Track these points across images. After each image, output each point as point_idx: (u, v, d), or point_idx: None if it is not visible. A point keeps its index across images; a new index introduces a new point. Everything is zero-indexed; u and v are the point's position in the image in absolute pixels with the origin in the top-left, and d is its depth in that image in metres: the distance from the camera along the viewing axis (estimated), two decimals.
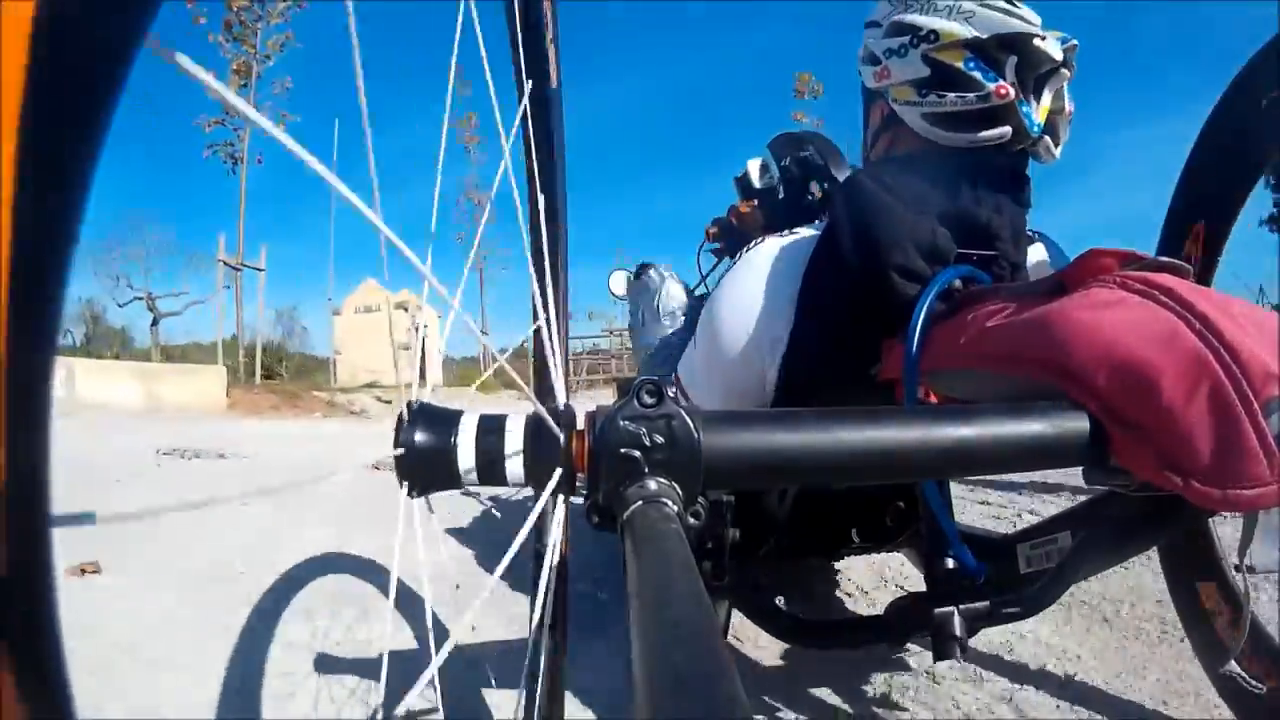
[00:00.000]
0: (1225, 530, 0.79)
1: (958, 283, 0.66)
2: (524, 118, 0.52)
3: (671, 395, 0.37)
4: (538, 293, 0.49)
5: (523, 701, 0.56)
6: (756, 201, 1.18)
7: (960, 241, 0.70)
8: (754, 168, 1.19)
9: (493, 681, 0.97)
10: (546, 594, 0.42)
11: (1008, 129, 0.73)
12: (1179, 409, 0.41)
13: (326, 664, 1.06)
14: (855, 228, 0.69)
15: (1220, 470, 0.40)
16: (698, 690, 0.18)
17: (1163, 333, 0.44)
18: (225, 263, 10.77)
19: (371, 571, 1.41)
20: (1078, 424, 0.43)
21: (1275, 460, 0.39)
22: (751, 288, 0.78)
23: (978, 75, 0.72)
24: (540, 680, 0.54)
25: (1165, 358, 0.42)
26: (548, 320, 0.47)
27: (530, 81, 0.55)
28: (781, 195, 1.14)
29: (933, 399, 0.66)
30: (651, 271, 1.24)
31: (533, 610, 0.43)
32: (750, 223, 1.17)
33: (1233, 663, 0.72)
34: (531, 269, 0.49)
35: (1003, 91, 0.71)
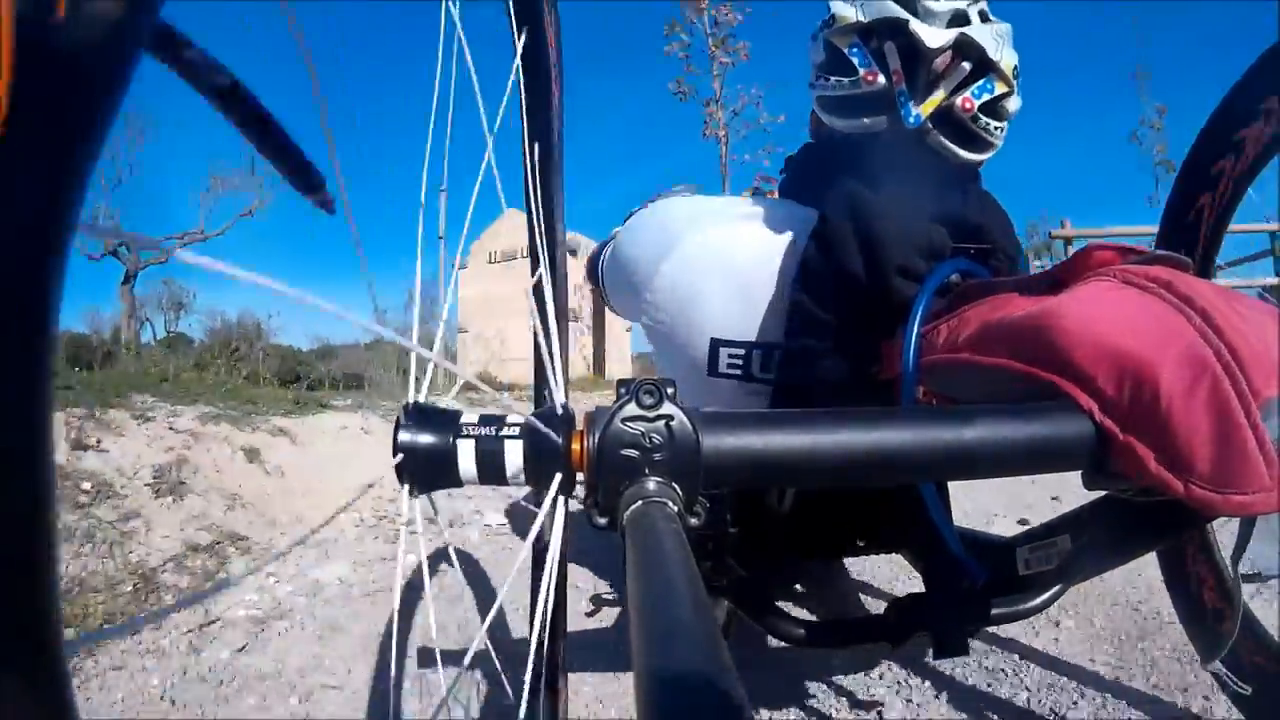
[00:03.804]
0: (1224, 536, 0.79)
1: (955, 277, 0.65)
2: (524, 115, 0.51)
3: (670, 393, 0.37)
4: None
5: (522, 702, 0.56)
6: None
7: (955, 240, 0.69)
8: None
9: (492, 682, 0.97)
10: (547, 594, 0.42)
11: (883, 118, 0.71)
12: (1178, 407, 0.41)
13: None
14: (853, 230, 0.68)
15: (1219, 474, 0.40)
16: (698, 690, 0.18)
17: (1162, 328, 0.43)
18: None
19: None
20: (1078, 427, 0.43)
21: (1274, 465, 0.39)
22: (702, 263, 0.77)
23: (855, 60, 0.72)
24: (542, 681, 0.54)
25: (1164, 353, 0.42)
26: (547, 320, 0.47)
27: (527, 78, 0.54)
28: None
29: (932, 400, 0.66)
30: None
31: (533, 610, 0.43)
32: None
33: (1217, 663, 0.72)
34: (531, 269, 0.49)
35: (870, 77, 0.70)
